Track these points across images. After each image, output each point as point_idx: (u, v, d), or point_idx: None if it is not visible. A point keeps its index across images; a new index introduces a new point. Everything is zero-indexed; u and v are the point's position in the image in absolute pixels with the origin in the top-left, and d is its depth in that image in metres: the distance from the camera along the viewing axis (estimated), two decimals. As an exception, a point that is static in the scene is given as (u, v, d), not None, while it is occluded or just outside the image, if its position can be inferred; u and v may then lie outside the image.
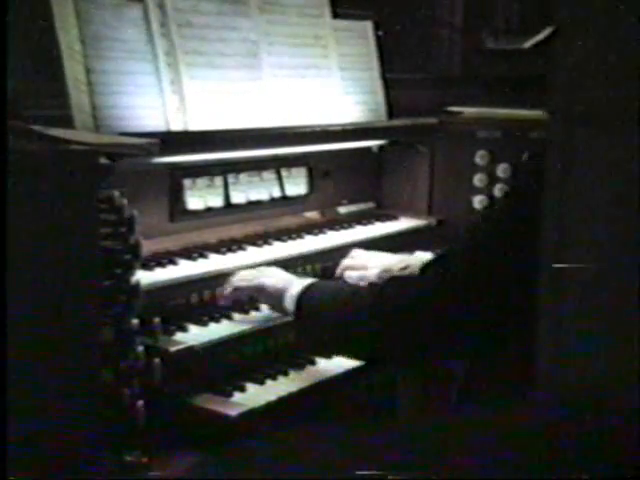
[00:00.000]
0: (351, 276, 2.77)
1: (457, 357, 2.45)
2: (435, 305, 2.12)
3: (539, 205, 1.78)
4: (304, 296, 2.31)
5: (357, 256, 2.82)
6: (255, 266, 2.53)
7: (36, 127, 1.95)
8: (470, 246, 2.21)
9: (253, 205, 2.78)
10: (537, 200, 1.72)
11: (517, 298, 2.02)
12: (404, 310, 2.14)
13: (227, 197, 2.69)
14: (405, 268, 2.71)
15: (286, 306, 2.33)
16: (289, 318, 2.42)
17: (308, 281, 2.38)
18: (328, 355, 2.44)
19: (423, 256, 2.80)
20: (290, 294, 2.33)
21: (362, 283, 2.75)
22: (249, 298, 2.46)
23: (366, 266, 2.77)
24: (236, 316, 2.41)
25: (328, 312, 2.28)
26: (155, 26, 2.45)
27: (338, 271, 2.79)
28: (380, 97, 3.16)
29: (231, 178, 2.70)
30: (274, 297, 2.37)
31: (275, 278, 2.42)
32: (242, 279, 2.44)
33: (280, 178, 2.87)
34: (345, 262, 2.80)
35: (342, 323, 2.25)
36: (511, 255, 2.06)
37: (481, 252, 2.15)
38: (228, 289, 2.43)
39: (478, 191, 3.23)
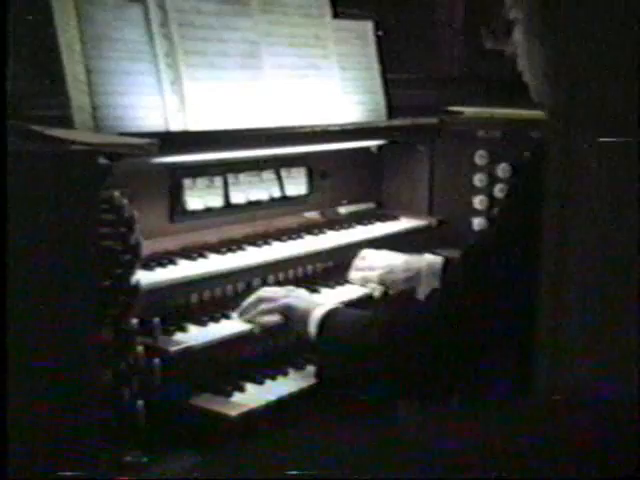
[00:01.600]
0: (354, 278, 2.77)
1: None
2: (439, 338, 2.12)
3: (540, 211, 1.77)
4: (326, 321, 2.31)
5: (367, 256, 2.83)
6: (256, 266, 2.53)
7: (36, 127, 1.95)
8: (471, 274, 2.19)
9: (253, 205, 2.78)
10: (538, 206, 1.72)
11: (519, 308, 2.01)
12: (411, 348, 2.15)
13: (227, 197, 2.69)
14: (408, 270, 2.71)
15: (309, 329, 2.34)
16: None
17: (330, 306, 2.38)
18: (346, 384, 2.37)
19: (431, 259, 2.78)
20: (314, 317, 2.33)
21: (366, 284, 2.75)
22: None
23: (372, 266, 2.78)
24: (236, 316, 2.41)
25: (343, 342, 2.29)
26: (155, 26, 2.45)
27: (350, 274, 2.81)
28: (380, 97, 3.16)
29: (231, 178, 2.70)
30: (299, 318, 2.38)
31: (300, 299, 2.43)
32: (269, 297, 2.43)
33: (280, 178, 2.87)
34: (356, 263, 2.81)
35: (353, 356, 2.27)
36: (513, 276, 2.05)
37: (481, 281, 2.13)
38: (255, 307, 2.40)
39: (478, 191, 3.23)
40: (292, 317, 2.40)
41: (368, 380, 2.27)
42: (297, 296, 2.45)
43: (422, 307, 2.44)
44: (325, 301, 2.51)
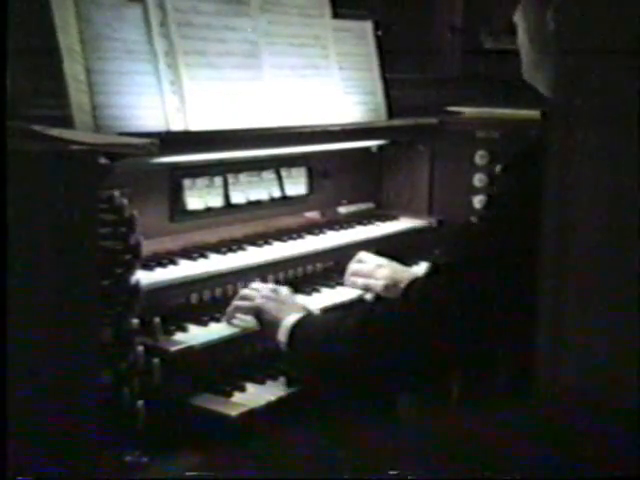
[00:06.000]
0: (356, 282, 2.74)
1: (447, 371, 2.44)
2: (417, 333, 2.11)
3: (520, 213, 1.77)
4: (297, 328, 2.28)
5: (365, 260, 2.79)
6: (256, 266, 2.53)
7: (36, 127, 1.95)
8: (450, 269, 2.18)
9: (253, 205, 2.78)
10: (517, 210, 1.71)
11: (508, 309, 2.01)
12: (387, 339, 2.13)
13: (227, 197, 2.69)
14: None
15: (279, 338, 2.30)
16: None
17: (301, 314, 2.34)
18: (321, 386, 2.36)
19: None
20: (284, 325, 2.29)
21: (367, 294, 2.72)
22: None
23: (374, 274, 2.73)
24: (236, 316, 2.41)
25: (316, 343, 2.25)
26: (155, 26, 2.45)
27: (346, 277, 2.76)
28: (380, 97, 3.16)
29: (231, 178, 2.70)
30: (268, 324, 2.34)
31: (276, 303, 2.37)
32: (245, 297, 2.40)
33: (280, 178, 2.87)
34: (353, 267, 2.78)
35: (328, 353, 2.22)
36: (493, 273, 2.04)
37: (462, 274, 2.12)
38: (231, 307, 2.39)
39: (478, 191, 3.22)
40: (262, 321, 2.36)
41: (342, 386, 2.25)
42: (274, 299, 2.39)
43: (393, 304, 2.42)
44: (320, 302, 2.51)
